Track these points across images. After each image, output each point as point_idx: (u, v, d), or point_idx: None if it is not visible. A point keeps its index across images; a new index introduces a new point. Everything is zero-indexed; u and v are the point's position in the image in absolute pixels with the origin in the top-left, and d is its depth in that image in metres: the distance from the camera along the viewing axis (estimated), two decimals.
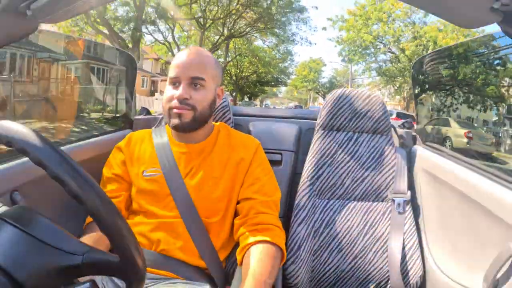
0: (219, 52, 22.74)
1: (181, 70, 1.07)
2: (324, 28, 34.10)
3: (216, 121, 1.47)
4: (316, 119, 1.56)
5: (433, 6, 0.80)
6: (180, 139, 1.16)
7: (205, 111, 1.10)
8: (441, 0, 0.76)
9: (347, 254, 1.38)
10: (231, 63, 24.18)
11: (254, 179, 1.13)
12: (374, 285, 1.35)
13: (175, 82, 1.08)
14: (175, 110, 1.06)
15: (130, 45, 13.94)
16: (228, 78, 25.82)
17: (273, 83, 29.65)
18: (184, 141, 1.15)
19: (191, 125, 1.08)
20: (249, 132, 1.65)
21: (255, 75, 27.25)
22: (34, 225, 0.57)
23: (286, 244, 1.34)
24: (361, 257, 1.37)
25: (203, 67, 1.09)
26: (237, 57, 24.40)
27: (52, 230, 0.58)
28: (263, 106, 31.67)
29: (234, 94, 27.41)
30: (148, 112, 1.77)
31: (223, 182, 1.11)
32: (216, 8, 18.45)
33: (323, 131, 1.51)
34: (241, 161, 1.14)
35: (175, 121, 1.06)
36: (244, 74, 26.59)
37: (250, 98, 33.71)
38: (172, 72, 1.08)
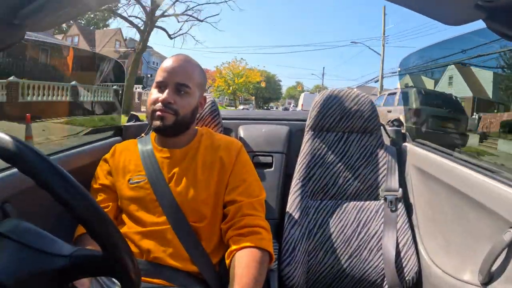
0: None
1: (167, 75, 1.09)
2: None
3: (206, 126, 1.47)
4: (305, 120, 1.57)
5: (417, 4, 0.81)
6: (163, 145, 1.17)
7: (187, 117, 1.12)
8: None
9: (342, 254, 1.38)
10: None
11: (238, 181, 1.14)
12: None
13: (161, 86, 1.10)
14: (158, 113, 1.08)
15: None
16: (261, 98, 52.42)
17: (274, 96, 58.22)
18: (167, 147, 1.16)
19: (172, 128, 1.10)
20: (239, 136, 1.65)
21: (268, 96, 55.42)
22: (18, 231, 0.56)
23: (281, 246, 1.34)
24: (356, 256, 1.38)
25: (189, 75, 1.11)
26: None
27: (37, 234, 0.57)
28: (269, 107, 49.88)
29: (260, 103, 52.63)
30: (137, 119, 1.76)
31: (208, 185, 1.12)
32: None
33: (313, 132, 1.52)
34: (224, 163, 1.15)
35: (157, 123, 1.09)
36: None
37: (265, 104, 56.48)
38: (158, 77, 1.11)
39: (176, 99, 1.08)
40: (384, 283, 1.33)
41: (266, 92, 52.17)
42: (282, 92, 61.85)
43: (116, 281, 1.01)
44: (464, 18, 0.74)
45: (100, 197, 1.15)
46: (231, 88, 36.53)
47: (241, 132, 1.67)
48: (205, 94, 1.22)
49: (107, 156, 1.21)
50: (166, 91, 1.08)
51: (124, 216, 1.13)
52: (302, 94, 29.28)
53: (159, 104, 1.08)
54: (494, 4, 0.64)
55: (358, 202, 1.46)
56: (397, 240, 1.35)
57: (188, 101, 1.11)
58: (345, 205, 1.45)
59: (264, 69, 50.01)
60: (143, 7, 17.80)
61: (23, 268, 0.52)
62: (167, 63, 1.12)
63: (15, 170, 0.99)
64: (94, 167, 1.22)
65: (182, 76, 1.10)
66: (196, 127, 1.27)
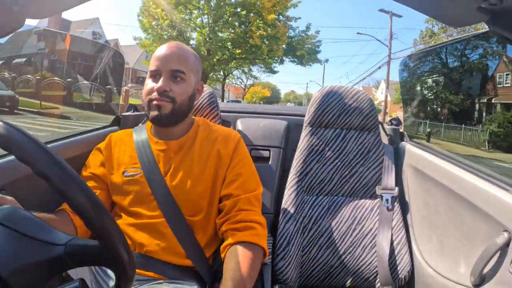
0: None
1: (161, 63, 1.07)
2: None
3: (204, 117, 1.46)
4: (304, 116, 1.56)
5: (422, 5, 0.81)
6: (159, 136, 1.14)
7: (184, 104, 1.10)
8: None
9: (336, 250, 1.38)
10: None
11: (235, 174, 1.12)
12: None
13: (155, 75, 1.08)
14: (154, 102, 1.06)
15: None
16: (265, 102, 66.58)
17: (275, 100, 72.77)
18: (163, 138, 1.14)
19: (170, 117, 1.07)
20: (237, 129, 1.64)
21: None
22: (13, 218, 0.56)
23: (275, 240, 1.35)
24: (349, 253, 1.38)
25: (183, 61, 1.09)
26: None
27: (32, 222, 0.57)
28: None
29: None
30: (136, 109, 1.75)
31: (205, 178, 1.10)
32: None
33: (311, 128, 1.51)
34: (221, 156, 1.13)
35: (154, 113, 1.06)
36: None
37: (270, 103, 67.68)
38: (152, 65, 1.08)
39: (172, 86, 1.06)
40: (377, 281, 1.34)
41: (269, 97, 68.88)
42: (280, 97, 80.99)
43: (110, 274, 1.02)
44: (468, 21, 0.74)
45: (89, 184, 1.10)
46: (254, 99, 53.53)
47: (239, 125, 1.66)
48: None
49: (101, 146, 1.18)
50: (161, 79, 1.06)
51: (118, 208, 1.11)
52: (287, 103, 45.07)
53: (155, 93, 1.05)
54: (497, 7, 0.63)
55: (354, 199, 1.46)
56: (391, 239, 1.36)
57: (184, 88, 1.08)
58: (340, 201, 1.45)
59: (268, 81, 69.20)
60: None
61: (17, 256, 0.52)
62: (160, 51, 1.09)
63: (11, 157, 0.98)
64: None
65: (176, 62, 1.07)
66: (193, 117, 1.24)
